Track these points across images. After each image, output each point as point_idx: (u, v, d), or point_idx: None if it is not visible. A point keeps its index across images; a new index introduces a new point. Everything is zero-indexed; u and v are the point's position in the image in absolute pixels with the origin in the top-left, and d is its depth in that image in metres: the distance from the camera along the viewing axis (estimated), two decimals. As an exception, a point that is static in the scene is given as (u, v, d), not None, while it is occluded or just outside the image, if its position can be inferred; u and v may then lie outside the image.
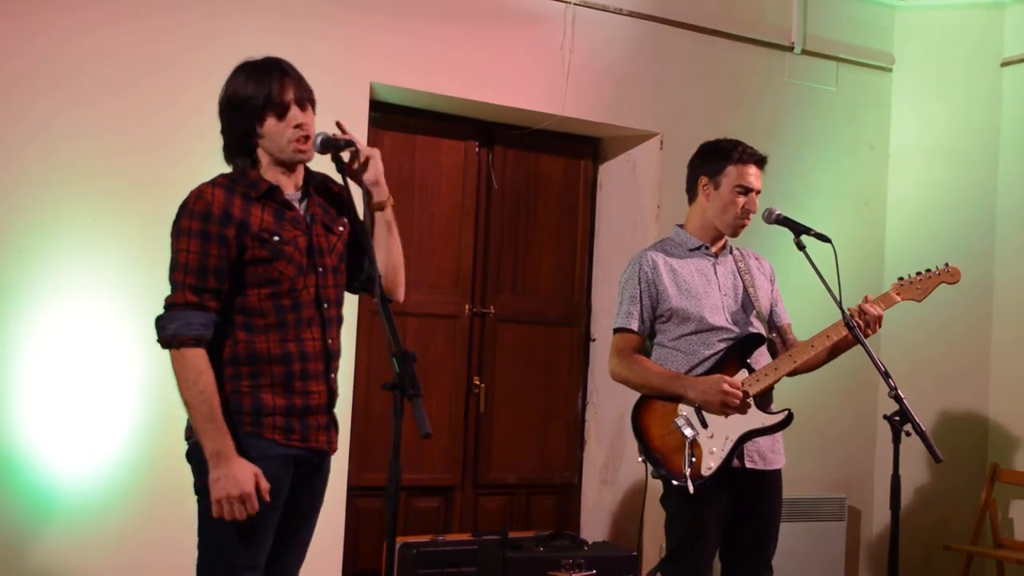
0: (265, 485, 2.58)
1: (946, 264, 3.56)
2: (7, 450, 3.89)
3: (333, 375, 2.77)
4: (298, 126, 2.66)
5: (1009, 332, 5.65)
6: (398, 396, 2.34)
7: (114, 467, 4.03)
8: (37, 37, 3.98)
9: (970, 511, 5.54)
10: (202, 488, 2.62)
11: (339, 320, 2.80)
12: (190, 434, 2.67)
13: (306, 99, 2.70)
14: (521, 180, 5.36)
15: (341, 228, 2.82)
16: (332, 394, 2.77)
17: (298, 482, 2.71)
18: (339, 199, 2.84)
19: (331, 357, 2.75)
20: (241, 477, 2.55)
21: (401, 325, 4.77)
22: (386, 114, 4.91)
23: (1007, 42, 5.75)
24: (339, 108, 4.35)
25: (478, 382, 5.18)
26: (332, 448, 2.79)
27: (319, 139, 2.66)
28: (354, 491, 4.70)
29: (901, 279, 3.55)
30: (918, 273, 3.55)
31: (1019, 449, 5.57)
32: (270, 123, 2.66)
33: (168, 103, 4.14)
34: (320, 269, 2.72)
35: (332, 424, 2.78)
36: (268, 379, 2.64)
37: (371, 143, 4.71)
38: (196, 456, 2.64)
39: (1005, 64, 5.75)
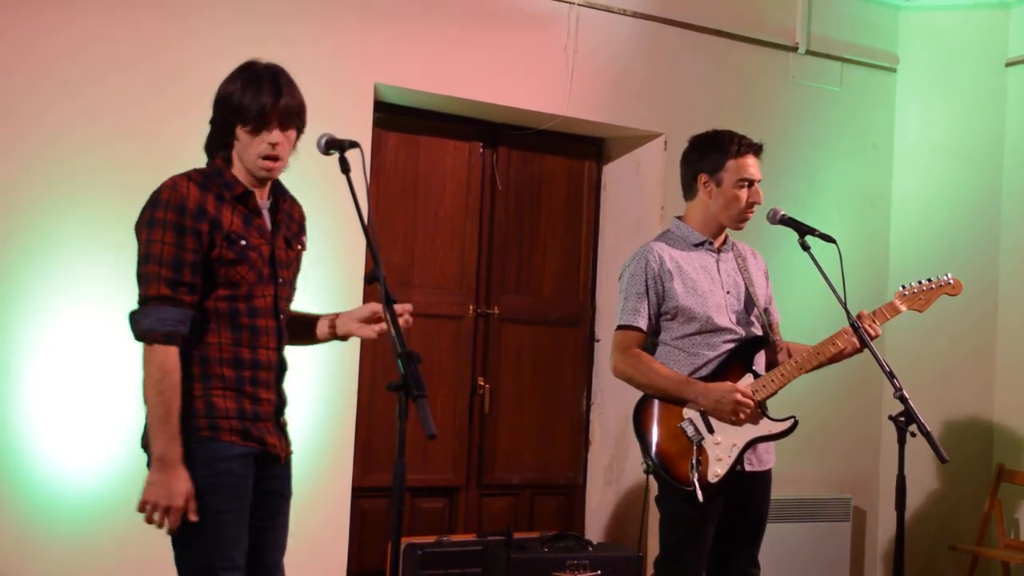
0: (193, 505, 2.54)
1: (947, 275, 3.54)
2: (12, 451, 3.89)
3: (282, 384, 2.77)
4: (272, 145, 2.63)
5: (1014, 332, 5.64)
6: (403, 397, 2.33)
7: (118, 469, 4.01)
8: (49, 47, 3.98)
9: (976, 512, 5.53)
10: None
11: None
12: (148, 442, 2.61)
13: (291, 121, 2.66)
14: (525, 181, 5.35)
15: (299, 246, 2.82)
16: (282, 401, 2.77)
17: (259, 476, 2.67)
18: (302, 219, 2.85)
19: (284, 368, 2.76)
20: (176, 489, 2.52)
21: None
22: (390, 115, 4.90)
23: (1012, 42, 5.74)
24: (343, 109, 4.39)
25: (482, 383, 5.18)
26: (283, 456, 2.75)
27: (323, 140, 2.63)
28: (359, 492, 4.69)
29: (904, 287, 3.53)
30: (919, 282, 3.52)
31: (1024, 449, 5.56)
32: (244, 134, 2.63)
33: (178, 112, 4.13)
34: (280, 280, 2.72)
35: (282, 433, 2.76)
36: (219, 383, 2.61)
37: (375, 144, 4.74)
38: None
39: (1010, 64, 5.74)
